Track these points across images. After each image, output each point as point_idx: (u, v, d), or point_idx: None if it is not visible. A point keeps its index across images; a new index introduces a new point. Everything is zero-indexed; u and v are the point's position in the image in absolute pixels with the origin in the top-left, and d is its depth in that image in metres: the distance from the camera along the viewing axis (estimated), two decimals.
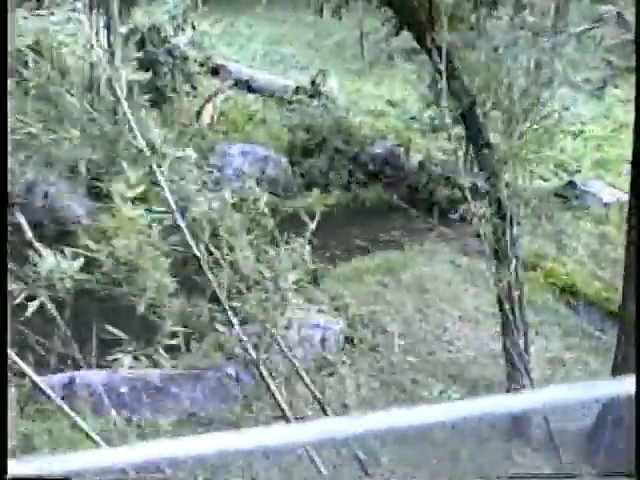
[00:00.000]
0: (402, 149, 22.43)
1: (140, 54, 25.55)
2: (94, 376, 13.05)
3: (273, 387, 13.87)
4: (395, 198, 21.50)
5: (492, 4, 12.54)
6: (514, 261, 12.71)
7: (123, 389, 12.98)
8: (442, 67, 12.90)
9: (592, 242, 19.27)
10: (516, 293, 12.62)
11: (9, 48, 16.98)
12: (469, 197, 12.88)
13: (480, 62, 13.27)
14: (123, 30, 26.12)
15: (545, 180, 23.05)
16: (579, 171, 23.04)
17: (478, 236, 18.88)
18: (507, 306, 12.89)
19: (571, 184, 21.31)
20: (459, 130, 20.63)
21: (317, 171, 21.85)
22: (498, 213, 12.70)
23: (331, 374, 14.39)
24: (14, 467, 2.98)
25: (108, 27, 21.57)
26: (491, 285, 14.27)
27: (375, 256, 17.97)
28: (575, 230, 19.72)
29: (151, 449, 2.94)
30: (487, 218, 12.38)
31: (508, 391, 12.91)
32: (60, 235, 19.21)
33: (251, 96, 26.60)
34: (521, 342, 12.93)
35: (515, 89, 16.74)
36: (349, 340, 15.04)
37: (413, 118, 23.30)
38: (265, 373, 13.83)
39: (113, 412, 12.57)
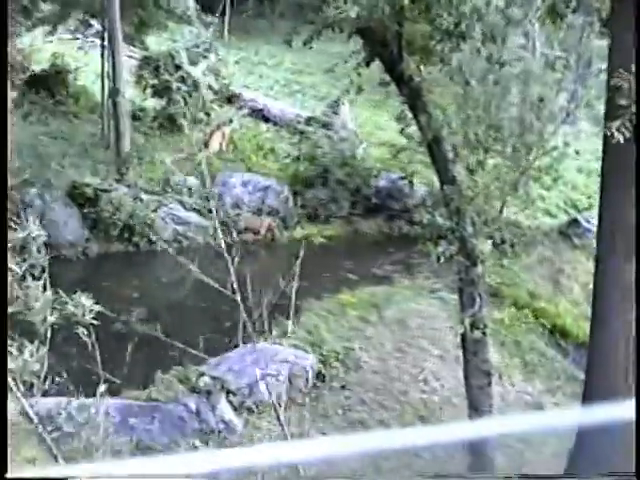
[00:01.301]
0: (406, 181, 22.07)
1: (155, 81, 25.85)
2: (49, 404, 12.94)
3: (235, 422, 13.65)
4: (395, 231, 21.22)
5: (460, 37, 12.23)
6: (478, 300, 12.32)
7: (80, 419, 12.80)
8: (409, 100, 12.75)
9: (590, 282, 18.70)
10: (478, 333, 12.20)
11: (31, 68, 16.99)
12: (427, 234, 12.63)
13: (449, 96, 13.03)
14: (137, 57, 26.35)
15: (552, 216, 22.59)
16: (588, 208, 22.46)
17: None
18: (470, 347, 12.53)
19: (575, 222, 20.79)
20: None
21: (318, 202, 21.63)
22: (461, 251, 12.35)
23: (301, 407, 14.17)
24: None
25: (113, 54, 21.60)
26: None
27: (363, 290, 17.64)
28: (574, 269, 19.19)
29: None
30: (447, 256, 12.05)
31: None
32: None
33: (264, 125, 26.51)
34: (484, 385, 12.55)
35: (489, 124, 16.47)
36: (320, 376, 14.72)
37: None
38: (227, 408, 13.60)
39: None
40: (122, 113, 21.52)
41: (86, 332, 6.72)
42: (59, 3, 23.09)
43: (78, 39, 26.91)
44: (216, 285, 9.18)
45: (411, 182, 21.90)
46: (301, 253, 10.69)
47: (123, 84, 21.71)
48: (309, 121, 25.58)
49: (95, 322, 6.63)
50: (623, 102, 10.62)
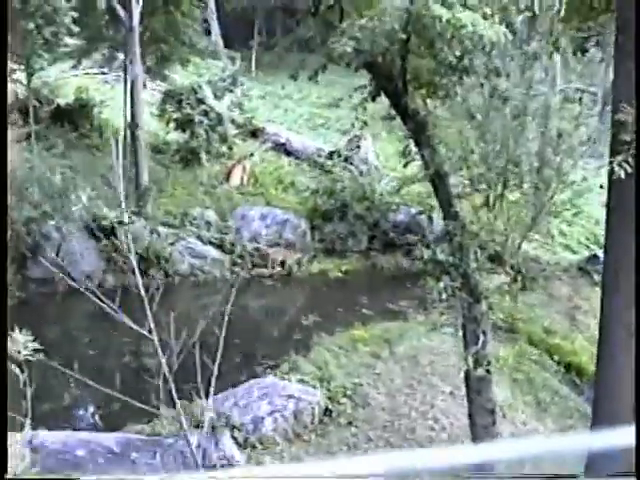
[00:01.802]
0: (425, 216, 21.94)
1: (177, 114, 26.03)
2: (50, 437, 12.91)
3: (237, 458, 13.52)
4: (413, 266, 21.07)
5: (464, 71, 12.14)
6: (481, 337, 12.12)
7: (80, 452, 12.76)
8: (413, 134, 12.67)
9: None
10: (481, 371, 11.99)
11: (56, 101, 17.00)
12: (429, 269, 12.51)
13: (454, 132, 12.95)
14: (161, 90, 26.58)
15: (573, 252, 22.33)
16: None
17: (490, 309, 18.40)
18: (473, 385, 12.32)
19: (594, 257, 20.50)
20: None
21: (336, 236, 21.56)
22: (464, 287, 12.17)
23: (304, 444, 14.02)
24: None
25: (132, 88, 21.77)
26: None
27: (376, 326, 17.50)
28: (592, 305, 18.85)
29: None
30: (450, 292, 11.90)
31: None
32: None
33: (286, 159, 26.56)
34: (488, 424, 12.32)
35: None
36: (327, 412, 14.55)
37: None
38: (230, 443, 13.47)
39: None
40: (140, 146, 21.64)
41: (19, 370, 6.55)
42: (85, 37, 23.34)
43: (104, 73, 27.15)
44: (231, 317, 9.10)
45: (430, 217, 21.77)
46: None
47: (141, 118, 21.82)
48: (331, 155, 25.60)
49: (31, 359, 6.45)
50: (626, 138, 10.45)
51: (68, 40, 22.42)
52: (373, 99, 13.17)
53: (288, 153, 26.93)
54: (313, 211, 22.59)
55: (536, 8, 14.51)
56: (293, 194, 24.10)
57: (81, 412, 15.47)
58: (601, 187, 24.12)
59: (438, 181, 12.56)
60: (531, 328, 17.58)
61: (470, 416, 12.52)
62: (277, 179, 24.93)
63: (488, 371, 12.11)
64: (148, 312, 6.82)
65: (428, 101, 12.85)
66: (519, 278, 19.21)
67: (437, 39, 11.56)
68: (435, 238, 21.83)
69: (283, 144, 27.14)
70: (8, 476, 7.99)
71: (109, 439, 12.93)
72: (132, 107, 21.76)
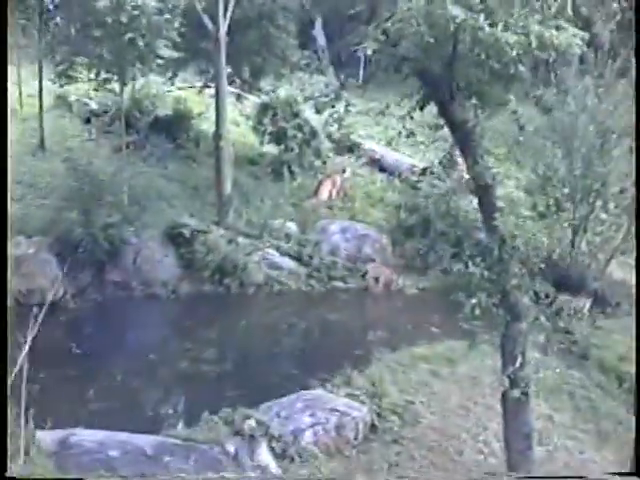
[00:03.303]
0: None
1: (271, 127, 26.19)
2: (89, 436, 13.04)
3: (271, 468, 13.35)
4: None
5: (510, 78, 11.69)
6: (519, 358, 11.59)
7: (114, 452, 12.83)
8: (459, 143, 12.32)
9: None
10: (517, 393, 11.45)
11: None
12: (462, 284, 12.12)
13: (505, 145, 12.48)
14: (256, 102, 26.81)
15: None
16: None
17: (567, 333, 17.70)
18: (510, 408, 11.80)
19: None
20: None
21: (417, 253, 21.18)
22: (503, 304, 11.68)
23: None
24: None
25: (217, 100, 22.03)
26: None
27: (441, 344, 17.05)
28: None
29: None
30: (483, 308, 11.44)
31: None
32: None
33: (379, 175, 26.32)
34: (524, 449, 11.78)
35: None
36: (373, 428, 14.23)
37: None
38: (266, 453, 13.33)
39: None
40: (224, 157, 21.82)
41: None
42: (180, 49, 23.80)
43: (202, 86, 27.52)
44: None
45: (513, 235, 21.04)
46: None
47: (225, 129, 22.02)
48: (424, 171, 25.21)
49: None
50: None
51: (163, 52, 22.89)
52: (421, 108, 12.88)
53: (382, 169, 26.69)
54: (397, 227, 22.28)
55: None
56: (380, 209, 23.83)
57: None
58: None
59: (482, 192, 12.15)
60: (604, 354, 16.78)
61: (505, 440, 12.02)
62: (367, 194, 24.72)
63: (525, 393, 11.58)
64: None
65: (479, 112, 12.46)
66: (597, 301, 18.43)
67: (477, 46, 11.19)
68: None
69: (378, 160, 26.93)
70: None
71: (144, 441, 12.97)
72: (217, 118, 21.98)
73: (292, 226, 21.64)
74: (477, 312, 11.46)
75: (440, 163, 25.25)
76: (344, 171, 25.47)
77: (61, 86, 23.44)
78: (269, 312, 19.75)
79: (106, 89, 22.93)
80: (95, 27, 21.16)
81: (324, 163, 26.13)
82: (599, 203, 19.07)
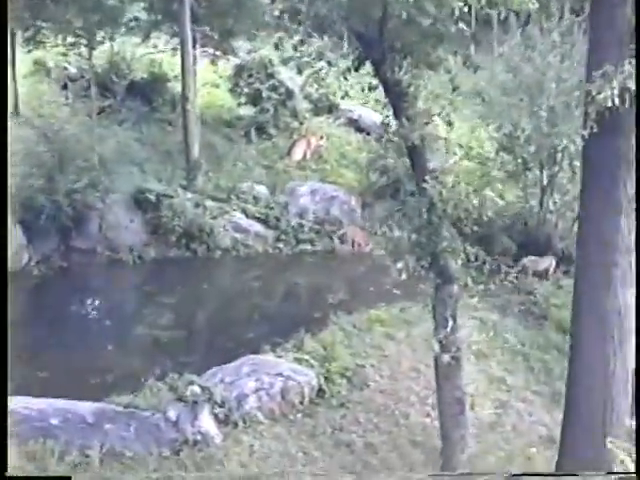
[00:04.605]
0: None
1: (247, 89, 25.96)
2: (28, 404, 13.02)
3: (213, 434, 13.34)
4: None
5: (440, 37, 11.48)
6: (450, 322, 11.48)
7: (54, 420, 12.83)
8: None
9: None
10: (447, 357, 11.37)
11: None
12: (388, 248, 12.02)
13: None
14: (230, 64, 26.54)
15: None
16: None
17: (529, 293, 17.57)
18: (441, 372, 11.73)
19: None
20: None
21: (387, 214, 20.97)
22: (432, 268, 11.56)
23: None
24: None
25: (183, 62, 21.77)
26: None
27: (400, 306, 16.91)
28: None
29: None
30: (411, 272, 11.32)
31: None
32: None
33: (356, 136, 26.02)
34: (456, 413, 11.72)
35: None
36: (320, 393, 14.18)
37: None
38: (207, 419, 13.30)
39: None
40: (191, 120, 21.63)
41: None
42: (150, 11, 23.56)
43: (174, 48, 27.19)
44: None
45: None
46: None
47: (192, 91, 21.80)
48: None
49: None
50: None
51: (131, 14, 22.68)
52: (356, 69, 12.71)
53: (360, 129, 26.39)
54: (366, 188, 22.10)
55: None
56: (353, 170, 23.62)
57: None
58: None
59: (412, 154, 12.01)
60: (564, 314, 16.62)
61: (438, 404, 11.96)
62: (341, 155, 24.50)
63: (455, 358, 11.49)
64: None
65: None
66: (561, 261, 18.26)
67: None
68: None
69: (355, 120, 26.63)
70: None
71: (85, 408, 12.96)
72: (182, 81, 21.76)
73: (261, 189, 21.46)
74: (404, 276, 11.34)
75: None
76: (322, 137, 25.13)
77: (29, 52, 23.25)
78: (234, 276, 19.67)
79: (76, 54, 22.76)
80: None
81: (301, 124, 25.87)
82: (566, 162, 18.82)
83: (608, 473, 8.59)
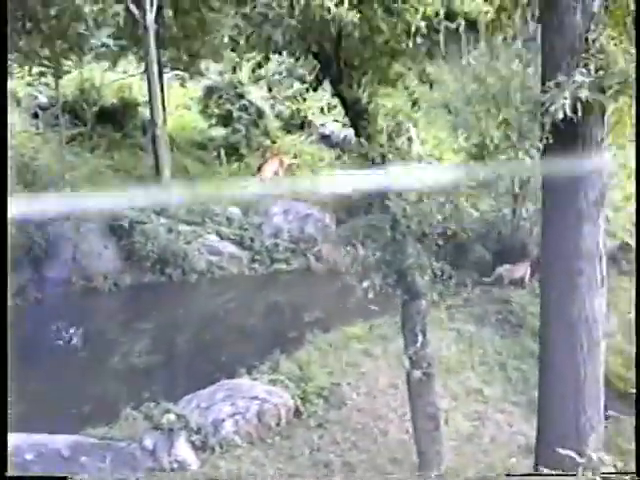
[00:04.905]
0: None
1: (218, 110, 25.97)
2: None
3: (190, 461, 13.24)
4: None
5: (395, 54, 11.50)
6: (420, 338, 11.44)
7: (29, 456, 12.73)
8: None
9: (631, 311, 17.22)
10: (419, 373, 11.32)
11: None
12: (352, 267, 11.96)
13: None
14: (201, 85, 26.56)
15: (617, 239, 20.96)
16: None
17: (505, 302, 17.53)
18: (414, 388, 11.67)
19: (627, 245, 19.24)
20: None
21: (351, 233, 20.95)
22: (399, 285, 11.52)
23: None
24: None
25: (149, 85, 21.73)
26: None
27: (376, 321, 16.84)
28: (616, 296, 17.69)
29: None
30: (377, 291, 11.28)
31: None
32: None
33: (329, 152, 26.02)
34: (430, 429, 11.66)
35: None
36: (297, 414, 14.12)
37: None
38: (184, 447, 13.19)
39: None
40: (161, 145, 21.58)
41: None
42: (117, 38, 23.53)
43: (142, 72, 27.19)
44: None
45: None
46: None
47: (160, 116, 21.74)
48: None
49: None
50: None
51: (97, 41, 22.62)
52: (315, 89, 12.69)
53: (333, 145, 26.39)
54: (341, 206, 22.08)
55: None
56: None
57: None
58: None
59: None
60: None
61: (412, 420, 11.91)
62: (314, 173, 24.49)
63: (426, 374, 11.44)
64: None
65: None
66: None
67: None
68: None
69: (328, 136, 26.64)
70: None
71: (60, 442, 12.86)
72: (150, 106, 21.71)
73: (234, 210, 21.40)
74: (370, 295, 11.30)
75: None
76: (295, 156, 25.14)
77: None
78: (210, 299, 19.57)
79: (42, 83, 22.70)
80: (27, 20, 20.94)
81: (274, 142, 25.89)
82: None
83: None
